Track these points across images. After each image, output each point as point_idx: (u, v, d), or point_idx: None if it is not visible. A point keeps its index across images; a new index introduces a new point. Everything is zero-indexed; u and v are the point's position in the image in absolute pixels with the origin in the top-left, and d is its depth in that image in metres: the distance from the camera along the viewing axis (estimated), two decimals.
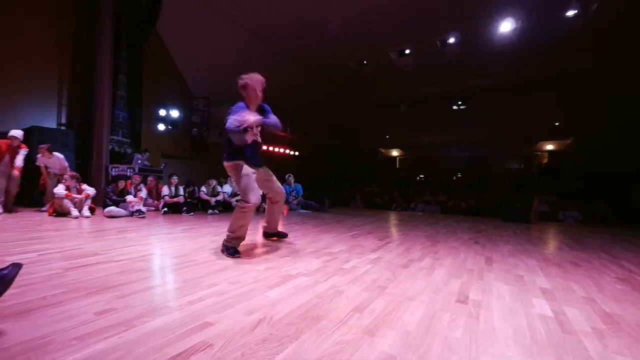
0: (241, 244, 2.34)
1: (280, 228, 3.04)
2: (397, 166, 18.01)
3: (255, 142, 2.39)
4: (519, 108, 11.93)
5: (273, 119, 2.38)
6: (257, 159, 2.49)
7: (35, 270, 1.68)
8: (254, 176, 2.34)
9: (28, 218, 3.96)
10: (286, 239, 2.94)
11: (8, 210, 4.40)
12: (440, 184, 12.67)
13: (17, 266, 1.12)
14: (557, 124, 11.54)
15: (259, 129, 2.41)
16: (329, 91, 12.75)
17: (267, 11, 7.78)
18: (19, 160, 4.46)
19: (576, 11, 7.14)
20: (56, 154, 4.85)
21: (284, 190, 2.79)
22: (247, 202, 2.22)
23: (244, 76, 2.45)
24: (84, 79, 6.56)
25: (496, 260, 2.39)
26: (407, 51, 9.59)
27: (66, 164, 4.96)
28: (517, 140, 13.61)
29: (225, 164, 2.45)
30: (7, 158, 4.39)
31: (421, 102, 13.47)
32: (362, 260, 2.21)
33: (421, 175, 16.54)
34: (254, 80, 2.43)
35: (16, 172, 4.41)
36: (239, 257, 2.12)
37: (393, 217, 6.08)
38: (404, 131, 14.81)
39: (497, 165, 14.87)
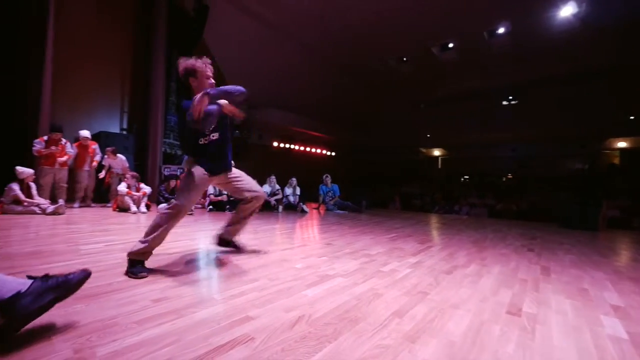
0: (281, 243, 2.37)
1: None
2: (439, 166, 17.14)
3: (216, 144, 1.98)
4: (582, 101, 10.63)
5: (222, 88, 1.83)
6: (218, 164, 2.01)
7: (103, 259, 1.89)
8: (201, 178, 1.89)
9: (97, 212, 4.49)
10: (324, 240, 2.95)
11: (86, 204, 5.09)
12: (488, 186, 11.80)
13: (84, 273, 1.08)
14: (632, 117, 10.07)
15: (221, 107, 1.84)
16: (367, 91, 12.58)
17: (305, 15, 7.92)
18: (98, 157, 5.18)
19: None
20: (119, 155, 5.46)
21: (262, 191, 2.29)
22: (177, 201, 1.81)
23: (188, 60, 1.94)
24: (141, 87, 7.26)
25: (555, 271, 2.16)
26: (451, 45, 9.09)
27: (127, 164, 5.55)
28: (580, 137, 12.14)
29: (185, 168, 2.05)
30: (86, 157, 5.07)
31: (466, 99, 12.68)
32: (402, 263, 2.14)
33: (466, 176, 15.55)
34: (204, 63, 1.95)
35: (94, 164, 5.14)
36: (145, 277, 1.57)
37: (434, 220, 5.80)
38: (446, 130, 14.05)
39: (555, 165, 13.39)
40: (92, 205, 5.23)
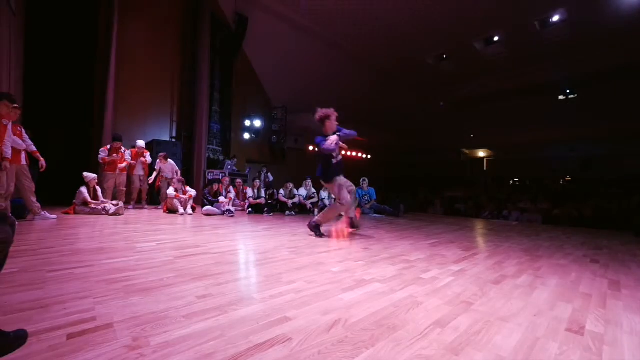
0: (317, 246, 2.43)
1: (345, 229, 3.78)
2: (485, 168, 16.02)
3: (339, 161, 3.42)
4: None
5: (346, 131, 3.23)
6: (341, 172, 3.47)
7: (156, 256, 2.07)
8: (340, 179, 3.40)
9: (150, 214, 4.92)
10: (361, 244, 2.92)
11: (141, 206, 5.64)
12: (542, 189, 10.75)
13: (21, 336, 0.93)
14: None
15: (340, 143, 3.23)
16: (405, 91, 12.25)
17: (339, 19, 7.97)
18: (148, 160, 5.71)
19: None
20: (170, 160, 5.95)
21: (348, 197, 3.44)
22: (341, 200, 3.31)
23: (325, 110, 3.32)
24: (188, 98, 7.85)
25: (626, 286, 1.90)
26: (496, 38, 8.51)
27: (177, 168, 6.02)
28: None
29: (327, 184, 3.47)
30: (138, 163, 5.60)
31: (514, 95, 11.73)
32: (444, 271, 2.03)
33: (516, 179, 14.34)
34: (334, 112, 3.32)
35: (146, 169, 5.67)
36: (320, 237, 3.20)
37: (480, 226, 5.43)
38: (492, 129, 13.10)
39: (623, 165, 11.77)
40: (146, 207, 5.75)
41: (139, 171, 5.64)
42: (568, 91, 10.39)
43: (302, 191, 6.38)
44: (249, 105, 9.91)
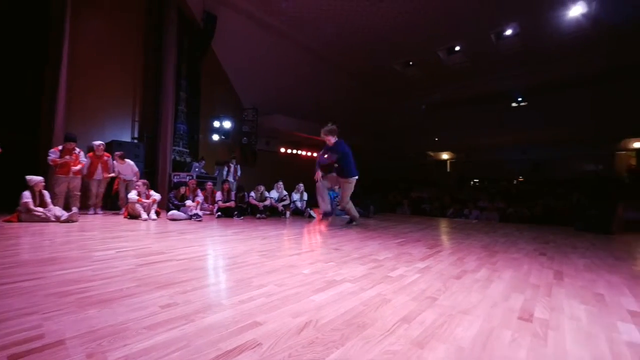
0: (288, 248, 2.42)
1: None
2: (448, 170, 16.95)
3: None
4: (595, 101, 10.42)
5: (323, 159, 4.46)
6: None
7: (115, 265, 1.93)
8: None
9: (108, 220, 4.59)
10: (332, 245, 2.95)
11: (94, 212, 5.22)
12: (499, 189, 11.59)
13: None
14: None
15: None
16: (373, 95, 12.61)
17: (310, 22, 8.03)
18: (110, 167, 5.35)
19: None
20: (128, 160, 5.57)
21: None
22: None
23: (334, 126, 4.41)
24: (152, 97, 7.45)
25: (568, 275, 2.11)
26: (457, 48, 9.08)
27: (136, 169, 5.64)
28: (593, 138, 11.85)
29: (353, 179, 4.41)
30: (98, 166, 5.21)
31: (473, 101, 12.58)
32: (410, 268, 2.12)
33: (476, 180, 15.31)
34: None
35: (107, 176, 5.33)
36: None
37: (444, 225, 5.73)
38: (454, 132, 13.91)
39: (568, 167, 13.08)
40: (100, 212, 5.32)
41: (99, 175, 5.25)
42: (520, 99, 11.35)
43: (274, 193, 6.31)
44: (218, 106, 9.62)
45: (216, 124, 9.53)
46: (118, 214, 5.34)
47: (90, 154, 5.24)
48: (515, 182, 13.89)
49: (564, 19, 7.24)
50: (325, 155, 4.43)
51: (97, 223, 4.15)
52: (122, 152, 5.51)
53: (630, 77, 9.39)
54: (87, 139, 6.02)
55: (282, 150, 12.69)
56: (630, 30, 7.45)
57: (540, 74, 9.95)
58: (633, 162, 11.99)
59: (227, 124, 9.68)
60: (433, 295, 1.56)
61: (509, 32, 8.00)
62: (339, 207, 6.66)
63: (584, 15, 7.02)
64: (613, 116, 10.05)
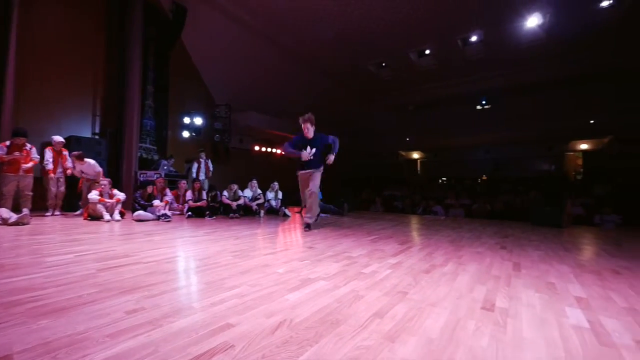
0: (262, 248, 2.39)
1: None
2: (419, 169, 17.62)
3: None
4: (549, 106, 11.34)
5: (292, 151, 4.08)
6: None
7: (73, 270, 1.80)
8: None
9: (67, 222, 4.25)
10: (307, 243, 2.96)
11: (50, 213, 4.81)
12: (464, 187, 12.24)
13: None
14: (592, 122, 10.84)
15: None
16: (347, 94, 12.75)
17: (284, 19, 7.94)
18: (69, 163, 4.97)
19: (611, 1, 6.70)
20: (88, 160, 5.14)
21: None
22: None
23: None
24: (115, 90, 6.98)
25: (525, 266, 2.28)
26: (428, 51, 9.43)
27: (99, 168, 5.25)
28: (547, 140, 12.92)
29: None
30: (58, 163, 4.83)
31: (442, 103, 13.16)
32: (383, 264, 2.18)
33: (443, 178, 16.07)
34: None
35: (69, 172, 4.95)
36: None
37: (414, 221, 5.95)
38: (424, 133, 14.50)
39: (526, 166, 14.15)
40: (57, 213, 4.92)
41: (59, 172, 4.84)
42: (483, 102, 12.05)
43: (247, 192, 6.19)
44: (188, 102, 9.23)
45: (186, 120, 9.14)
46: (76, 214, 4.96)
47: (50, 147, 4.82)
48: (479, 180, 14.76)
49: (522, 29, 7.79)
50: (308, 151, 3.92)
51: (53, 225, 3.82)
52: (80, 152, 5.00)
53: (577, 84, 10.33)
54: (42, 134, 5.52)
55: (256, 148, 12.47)
56: (578, 43, 8.19)
57: (501, 79, 10.64)
58: (579, 162, 13.22)
59: (198, 121, 9.31)
60: (404, 290, 1.62)
61: (474, 38, 8.46)
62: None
63: (539, 26, 7.59)
64: (563, 119, 11.02)
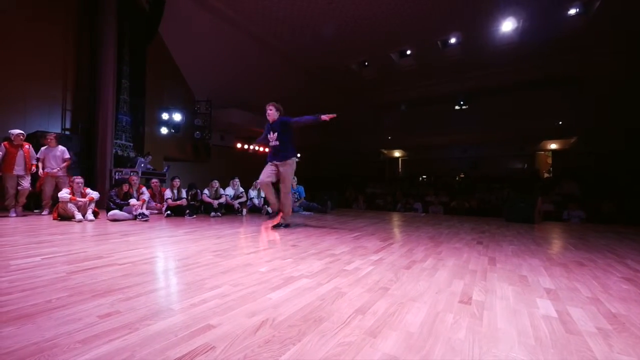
0: (245, 247, 2.36)
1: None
2: (400, 167, 17.97)
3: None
4: (521, 107, 11.89)
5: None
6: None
7: (41, 273, 1.69)
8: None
9: (34, 222, 4.00)
10: (290, 242, 2.94)
11: (14, 214, 4.50)
12: (443, 185, 12.62)
13: None
14: (560, 123, 11.48)
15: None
16: (330, 93, 12.78)
17: (266, 15, 7.83)
18: (33, 160, 4.68)
19: (577, 9, 7.10)
20: (60, 146, 4.93)
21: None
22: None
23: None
24: (87, 84, 6.63)
25: (500, 261, 2.38)
26: (409, 52, 9.61)
27: (68, 155, 4.97)
28: (519, 140, 13.54)
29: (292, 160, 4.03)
30: (16, 158, 4.50)
31: (423, 103, 13.47)
32: (365, 261, 2.21)
33: (424, 176, 16.49)
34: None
35: (33, 169, 4.66)
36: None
37: (396, 218, 6.07)
38: (405, 132, 14.81)
39: (500, 165, 14.79)
40: (13, 215, 4.53)
41: (19, 169, 4.53)
42: (461, 102, 12.45)
43: (229, 190, 6.08)
44: (167, 97, 8.92)
45: (165, 116, 8.83)
46: (42, 214, 4.68)
47: (6, 143, 4.49)
48: (457, 178, 15.26)
49: (498, 32, 8.10)
50: (270, 135, 3.99)
51: (16, 227, 3.59)
52: (56, 134, 4.99)
53: (547, 87, 10.90)
54: (4, 128, 5.16)
55: (239, 145, 12.25)
56: (548, 47, 8.62)
57: (478, 80, 11.04)
58: (549, 160, 13.97)
59: (177, 117, 9.03)
60: (385, 286, 1.65)
61: (453, 40, 8.71)
62: (296, 204, 6.67)
63: (514, 30, 7.92)
64: (534, 120, 11.59)
